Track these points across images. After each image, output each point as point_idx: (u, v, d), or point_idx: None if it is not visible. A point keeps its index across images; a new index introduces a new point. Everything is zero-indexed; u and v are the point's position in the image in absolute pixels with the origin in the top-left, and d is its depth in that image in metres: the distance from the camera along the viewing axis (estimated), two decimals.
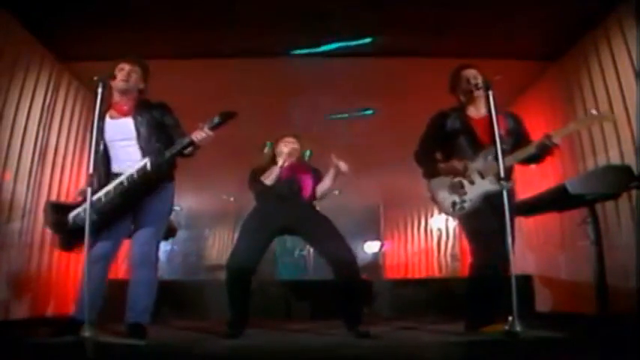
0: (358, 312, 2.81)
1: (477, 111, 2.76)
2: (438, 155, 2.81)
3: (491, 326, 2.48)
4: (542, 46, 4.04)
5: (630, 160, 3.20)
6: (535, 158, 2.66)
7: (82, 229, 2.16)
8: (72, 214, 2.46)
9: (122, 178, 2.42)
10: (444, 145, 2.80)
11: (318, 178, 3.11)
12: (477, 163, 2.64)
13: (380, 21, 3.70)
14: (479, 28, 3.74)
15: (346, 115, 5.27)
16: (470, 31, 3.77)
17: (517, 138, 2.72)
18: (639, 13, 3.14)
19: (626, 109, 3.35)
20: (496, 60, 4.03)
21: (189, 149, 2.46)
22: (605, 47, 3.60)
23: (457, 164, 2.65)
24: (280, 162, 2.94)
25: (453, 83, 2.84)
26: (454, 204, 2.64)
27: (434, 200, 2.74)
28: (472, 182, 2.63)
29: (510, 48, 4.03)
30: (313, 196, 3.07)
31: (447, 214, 2.75)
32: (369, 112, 5.25)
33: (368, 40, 3.97)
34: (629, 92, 3.30)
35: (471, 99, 2.76)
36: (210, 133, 2.36)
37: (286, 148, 3.00)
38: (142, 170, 2.40)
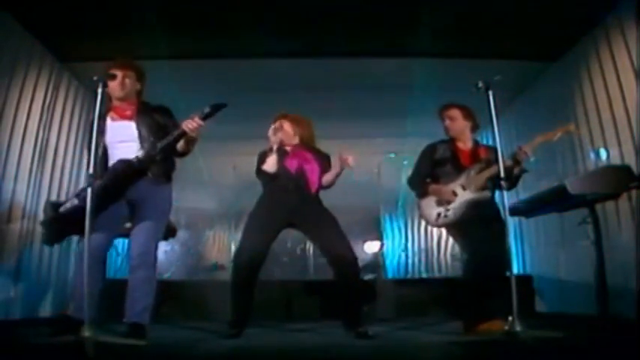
0: (358, 312, 2.80)
1: (464, 144, 3.07)
2: (428, 180, 3.08)
3: (489, 323, 2.50)
4: (542, 46, 4.03)
5: (630, 160, 3.20)
6: (512, 173, 2.81)
7: (68, 220, 2.22)
8: (61, 208, 2.46)
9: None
10: (433, 173, 3.08)
11: (325, 164, 3.02)
12: (460, 180, 2.92)
13: (380, 22, 3.70)
14: (479, 28, 3.74)
15: None
16: (470, 31, 3.77)
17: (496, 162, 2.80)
18: (639, 13, 3.15)
19: (626, 109, 3.35)
20: (496, 60, 4.05)
21: (182, 142, 2.47)
22: (605, 47, 3.60)
23: (444, 189, 2.93)
24: (273, 147, 2.88)
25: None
26: (438, 215, 2.94)
27: (422, 215, 3.07)
28: (455, 194, 2.90)
29: (510, 48, 4.03)
30: (318, 186, 2.98)
31: (433, 225, 3.06)
32: None
33: None
34: (629, 92, 3.30)
35: (450, 136, 3.07)
36: (201, 122, 2.36)
37: (271, 133, 2.90)
38: (137, 159, 2.43)
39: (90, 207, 2.13)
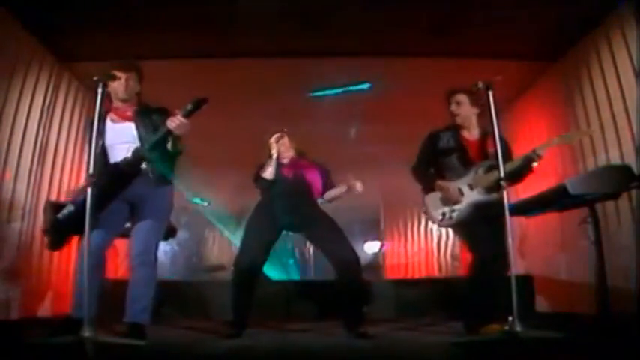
0: (359, 312, 2.82)
1: (469, 133, 2.95)
2: (433, 171, 2.98)
3: (491, 326, 2.49)
4: (542, 46, 4.03)
5: (630, 160, 3.20)
6: (520, 173, 2.76)
7: (67, 225, 2.27)
8: (59, 215, 2.46)
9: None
10: (437, 163, 2.97)
11: (326, 176, 3.13)
12: (467, 178, 2.82)
13: (381, 21, 3.70)
14: (479, 28, 3.74)
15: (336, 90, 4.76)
16: (470, 31, 3.77)
17: (503, 159, 2.65)
18: (639, 13, 3.15)
19: (626, 109, 3.34)
20: (496, 60, 4.05)
21: (170, 142, 2.46)
22: (605, 47, 3.60)
23: (450, 189, 2.80)
24: (273, 154, 2.97)
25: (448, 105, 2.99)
26: (443, 215, 2.84)
27: (426, 214, 2.94)
28: (462, 194, 2.80)
29: (510, 48, 4.03)
30: (320, 194, 3.08)
31: (437, 224, 2.93)
32: (365, 85, 4.77)
33: (366, 85, 4.42)
34: (629, 92, 3.30)
35: (456, 122, 2.94)
36: (184, 120, 2.35)
37: (274, 141, 3.00)
38: (124, 160, 2.44)
39: (90, 209, 2.13)
